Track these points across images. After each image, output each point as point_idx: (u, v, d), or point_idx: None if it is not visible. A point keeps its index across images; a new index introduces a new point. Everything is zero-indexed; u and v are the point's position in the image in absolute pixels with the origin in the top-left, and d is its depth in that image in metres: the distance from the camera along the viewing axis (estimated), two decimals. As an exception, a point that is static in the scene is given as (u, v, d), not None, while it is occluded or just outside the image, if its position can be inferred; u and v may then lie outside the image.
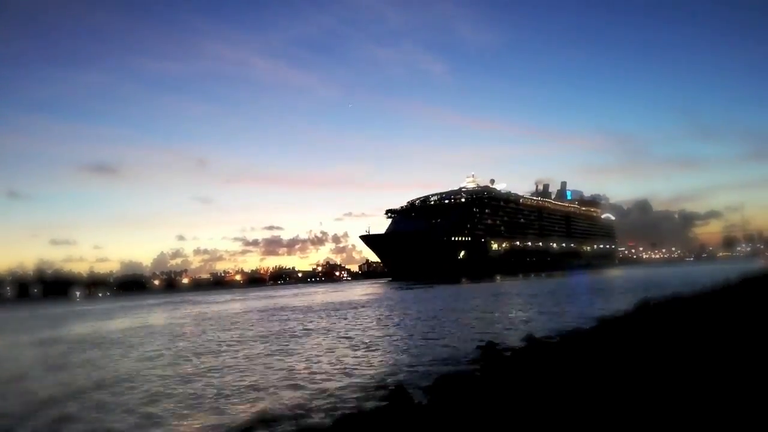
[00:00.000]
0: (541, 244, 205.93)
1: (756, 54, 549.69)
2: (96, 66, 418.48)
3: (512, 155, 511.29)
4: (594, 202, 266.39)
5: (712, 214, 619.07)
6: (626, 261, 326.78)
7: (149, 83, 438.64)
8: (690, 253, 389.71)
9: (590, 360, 12.56)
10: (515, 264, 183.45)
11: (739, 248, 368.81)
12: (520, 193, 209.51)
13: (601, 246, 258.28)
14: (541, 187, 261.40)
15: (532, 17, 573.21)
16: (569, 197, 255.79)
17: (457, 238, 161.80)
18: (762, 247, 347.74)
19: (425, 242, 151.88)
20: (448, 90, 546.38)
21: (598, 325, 20.84)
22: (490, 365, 16.46)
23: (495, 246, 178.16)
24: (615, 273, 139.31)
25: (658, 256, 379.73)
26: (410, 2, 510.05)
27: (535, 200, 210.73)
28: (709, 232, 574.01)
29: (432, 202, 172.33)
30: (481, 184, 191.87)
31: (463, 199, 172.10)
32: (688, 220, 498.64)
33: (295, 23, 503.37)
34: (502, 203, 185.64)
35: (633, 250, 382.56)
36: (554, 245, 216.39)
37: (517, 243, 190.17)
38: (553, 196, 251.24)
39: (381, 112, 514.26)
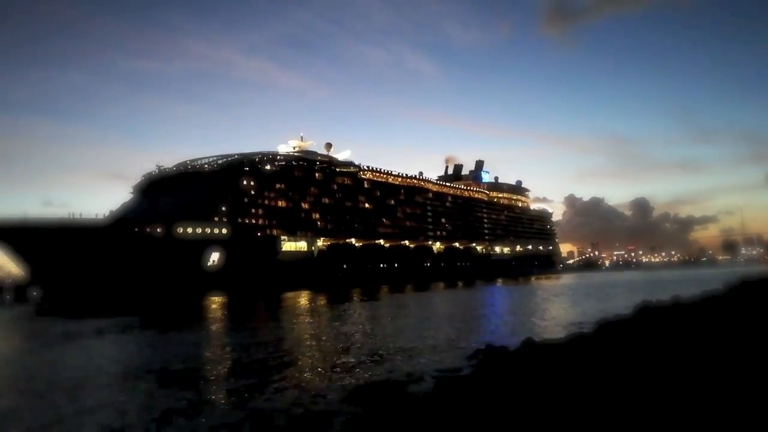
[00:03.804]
0: (407, 242, 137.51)
1: (754, 57, 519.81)
2: (83, 67, 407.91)
3: (507, 158, 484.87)
4: (518, 188, 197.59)
5: (711, 218, 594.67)
6: (626, 265, 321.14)
7: (149, 88, 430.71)
8: (690, 257, 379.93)
9: (590, 364, 12.19)
10: (351, 272, 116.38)
11: (743, 251, 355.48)
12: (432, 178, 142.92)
13: (529, 247, 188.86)
14: (451, 169, 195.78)
15: (524, 15, 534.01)
16: (484, 181, 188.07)
17: (200, 230, 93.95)
18: (762, 251, 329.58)
19: (126, 239, 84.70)
20: (439, 91, 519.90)
21: (598, 329, 19.88)
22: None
23: (293, 245, 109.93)
24: (546, 283, 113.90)
25: (657, 259, 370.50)
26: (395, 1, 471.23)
27: (397, 177, 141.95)
28: (708, 235, 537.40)
29: (174, 172, 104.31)
30: (312, 150, 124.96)
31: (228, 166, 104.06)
32: (687, 223, 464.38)
33: (278, 21, 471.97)
34: (316, 175, 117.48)
35: (633, 254, 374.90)
36: (437, 244, 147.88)
37: (351, 240, 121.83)
38: (469, 180, 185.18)
39: (372, 113, 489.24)
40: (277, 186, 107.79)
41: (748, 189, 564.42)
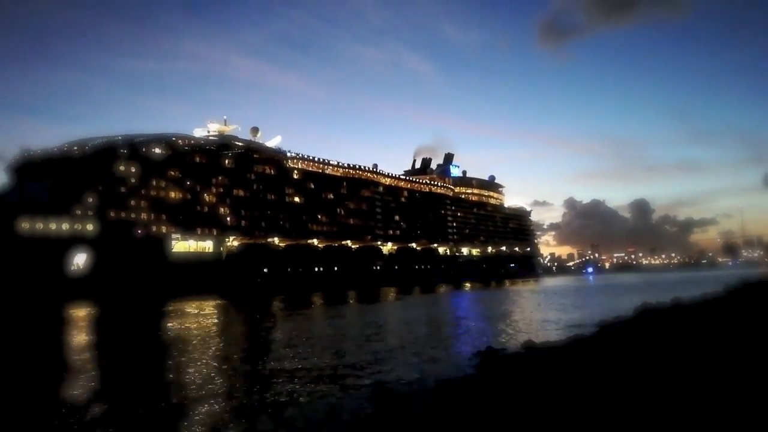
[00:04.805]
0: (350, 242, 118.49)
1: (754, 58, 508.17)
2: (78, 67, 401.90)
3: (507, 160, 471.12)
4: (490, 184, 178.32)
5: (711, 220, 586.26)
6: (627, 267, 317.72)
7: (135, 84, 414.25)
8: (690, 259, 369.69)
9: (591, 367, 12.02)
10: (274, 277, 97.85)
11: (744, 253, 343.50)
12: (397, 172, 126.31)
13: (503, 248, 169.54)
14: (419, 163, 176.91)
15: (521, 15, 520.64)
16: (453, 175, 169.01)
17: (55, 226, 75.04)
18: (762, 253, 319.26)
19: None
20: (436, 91, 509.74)
21: (599, 330, 19.67)
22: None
23: (193, 244, 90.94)
24: (522, 288, 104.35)
25: (657, 262, 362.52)
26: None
27: (338, 167, 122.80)
28: (708, 238, 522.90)
29: (42, 156, 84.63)
30: (233, 134, 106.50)
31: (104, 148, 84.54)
32: (687, 225, 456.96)
33: (274, 21, 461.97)
34: (226, 162, 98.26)
35: (633, 256, 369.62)
36: (389, 245, 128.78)
37: (274, 239, 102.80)
38: (434, 174, 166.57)
39: (368, 113, 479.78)
40: (170, 173, 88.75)
41: (748, 191, 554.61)
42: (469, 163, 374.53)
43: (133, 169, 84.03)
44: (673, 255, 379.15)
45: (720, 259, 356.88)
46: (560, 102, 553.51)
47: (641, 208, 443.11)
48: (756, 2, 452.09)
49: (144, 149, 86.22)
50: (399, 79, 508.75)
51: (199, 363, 25.25)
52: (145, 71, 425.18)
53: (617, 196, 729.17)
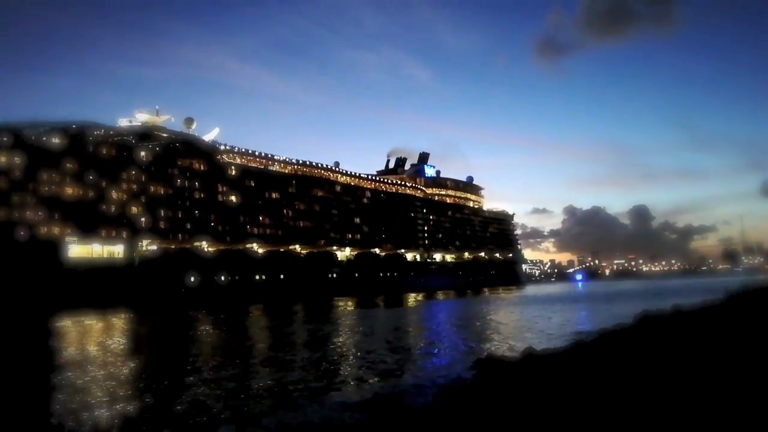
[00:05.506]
0: (298, 247, 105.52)
1: (754, 66, 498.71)
2: (76, 73, 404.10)
3: (505, 166, 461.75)
4: (467, 185, 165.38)
5: (710, 227, 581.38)
6: (627, 274, 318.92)
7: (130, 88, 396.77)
8: (690, 266, 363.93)
9: (591, 375, 11.76)
10: (203, 287, 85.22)
11: (744, 260, 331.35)
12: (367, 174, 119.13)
13: (482, 254, 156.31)
14: (392, 163, 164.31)
15: (519, 21, 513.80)
16: (427, 175, 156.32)
17: None
18: (762, 260, 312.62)
19: None
20: (434, 97, 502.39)
21: (599, 338, 19.64)
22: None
23: (98, 249, 78.07)
24: (506, 297, 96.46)
25: (658, 268, 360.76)
26: (387, 5, 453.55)
27: (286, 164, 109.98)
28: (708, 244, 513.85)
29: None
30: (161, 126, 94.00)
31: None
32: (687, 232, 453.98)
33: (271, 27, 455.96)
34: (141, 154, 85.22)
35: (633, 263, 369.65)
36: (347, 250, 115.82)
37: (201, 244, 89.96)
38: (405, 174, 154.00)
39: (365, 119, 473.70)
40: (68, 166, 75.94)
41: (746, 198, 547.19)
42: (468, 170, 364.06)
43: (17, 160, 71.41)
44: (673, 262, 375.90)
45: (720, 266, 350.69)
46: (559, 110, 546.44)
47: (641, 214, 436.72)
48: (750, 12, 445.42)
49: (34, 138, 73.69)
50: (396, 85, 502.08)
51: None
52: (143, 77, 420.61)
53: (617, 202, 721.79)
